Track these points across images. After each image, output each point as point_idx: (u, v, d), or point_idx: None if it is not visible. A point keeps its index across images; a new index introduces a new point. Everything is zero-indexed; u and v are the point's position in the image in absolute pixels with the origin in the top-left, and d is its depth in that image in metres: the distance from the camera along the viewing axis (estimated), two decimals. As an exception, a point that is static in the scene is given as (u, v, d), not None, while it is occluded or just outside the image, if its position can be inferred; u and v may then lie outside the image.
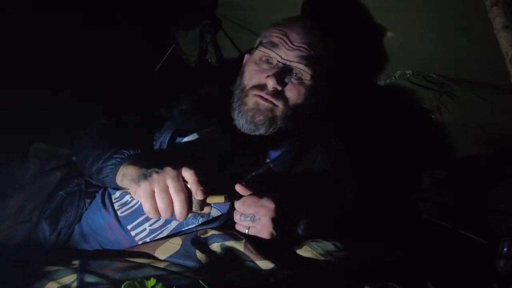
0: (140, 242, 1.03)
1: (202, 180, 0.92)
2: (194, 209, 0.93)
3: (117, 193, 1.11)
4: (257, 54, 1.19)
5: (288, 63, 1.15)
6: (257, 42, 1.24)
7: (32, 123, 1.25)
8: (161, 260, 0.92)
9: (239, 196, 0.97)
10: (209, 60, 1.78)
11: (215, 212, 1.05)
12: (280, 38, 1.17)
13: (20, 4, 1.31)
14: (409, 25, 1.30)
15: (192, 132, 1.19)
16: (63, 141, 1.27)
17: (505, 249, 0.97)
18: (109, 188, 1.13)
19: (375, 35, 1.39)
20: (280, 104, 1.14)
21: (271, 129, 1.14)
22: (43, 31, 1.37)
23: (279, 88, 1.13)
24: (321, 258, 0.92)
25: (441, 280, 0.90)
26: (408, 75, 1.45)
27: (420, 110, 1.49)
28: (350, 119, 1.47)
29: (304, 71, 1.15)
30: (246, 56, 1.27)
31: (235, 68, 1.32)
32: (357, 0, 1.34)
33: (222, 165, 1.12)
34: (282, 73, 1.14)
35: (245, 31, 1.68)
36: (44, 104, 1.31)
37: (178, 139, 1.19)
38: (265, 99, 1.13)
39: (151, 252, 0.94)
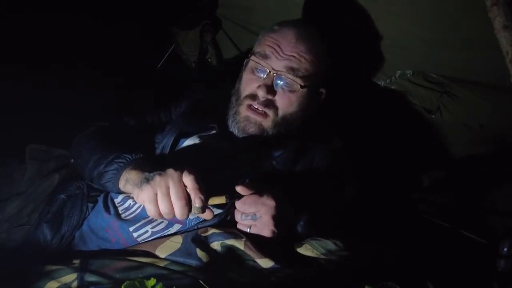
0: (143, 242, 1.03)
1: (202, 187, 0.93)
2: (195, 212, 0.93)
3: (120, 197, 1.10)
4: (251, 63, 1.22)
5: (278, 73, 1.17)
6: (254, 47, 1.26)
7: (29, 123, 1.25)
8: (161, 259, 0.92)
9: (240, 196, 0.98)
10: (209, 60, 1.78)
11: (216, 210, 1.05)
12: (271, 48, 1.19)
13: (20, 4, 1.31)
14: (409, 25, 1.30)
15: (194, 134, 1.20)
16: (61, 142, 1.26)
17: (505, 249, 0.96)
18: (111, 192, 1.13)
19: (375, 35, 1.39)
20: (270, 113, 1.18)
21: (264, 135, 1.19)
22: (42, 31, 1.37)
23: (270, 97, 1.17)
24: (322, 256, 0.92)
25: (441, 280, 0.90)
26: (408, 75, 1.45)
27: (420, 110, 1.49)
28: (351, 119, 1.48)
29: (293, 81, 1.18)
30: (246, 61, 1.28)
31: (235, 68, 1.33)
32: (357, 1, 1.34)
33: (225, 165, 1.13)
34: (273, 83, 1.18)
35: (245, 31, 1.68)
36: (42, 104, 1.31)
37: (181, 142, 1.20)
38: (256, 112, 1.18)
39: (151, 251, 0.94)
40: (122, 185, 1.03)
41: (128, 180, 1.01)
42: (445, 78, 1.41)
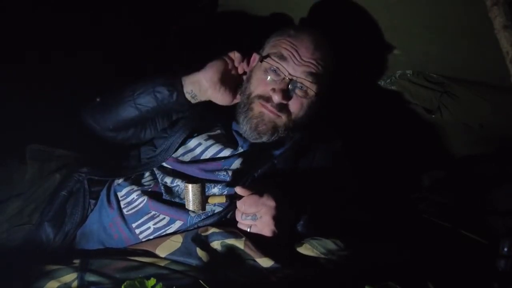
0: (144, 241, 1.04)
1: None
2: (195, 208, 0.94)
3: (124, 191, 1.12)
4: (265, 64, 1.19)
5: (295, 78, 1.16)
6: (266, 48, 1.25)
7: (29, 123, 1.25)
8: (161, 258, 0.93)
9: (240, 196, 0.99)
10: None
11: (217, 208, 1.07)
12: (289, 51, 1.18)
13: (20, 3, 1.31)
14: (409, 25, 1.30)
15: (201, 132, 1.23)
16: (61, 142, 1.26)
17: (505, 249, 0.97)
18: (114, 186, 1.14)
19: (375, 35, 1.39)
20: (283, 116, 1.18)
21: (272, 138, 1.19)
22: (43, 31, 1.37)
23: (284, 102, 1.17)
24: (322, 256, 0.93)
25: (441, 280, 0.90)
26: (408, 75, 1.45)
27: (420, 110, 1.49)
28: (351, 119, 1.48)
29: (309, 88, 1.18)
30: (254, 55, 1.27)
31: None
32: (357, 1, 1.34)
33: (228, 163, 1.15)
34: (288, 88, 1.17)
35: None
36: (42, 104, 1.31)
37: (188, 141, 1.22)
38: (270, 111, 1.17)
39: (152, 250, 0.95)
40: (188, 81, 1.22)
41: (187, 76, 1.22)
42: (445, 78, 1.41)
